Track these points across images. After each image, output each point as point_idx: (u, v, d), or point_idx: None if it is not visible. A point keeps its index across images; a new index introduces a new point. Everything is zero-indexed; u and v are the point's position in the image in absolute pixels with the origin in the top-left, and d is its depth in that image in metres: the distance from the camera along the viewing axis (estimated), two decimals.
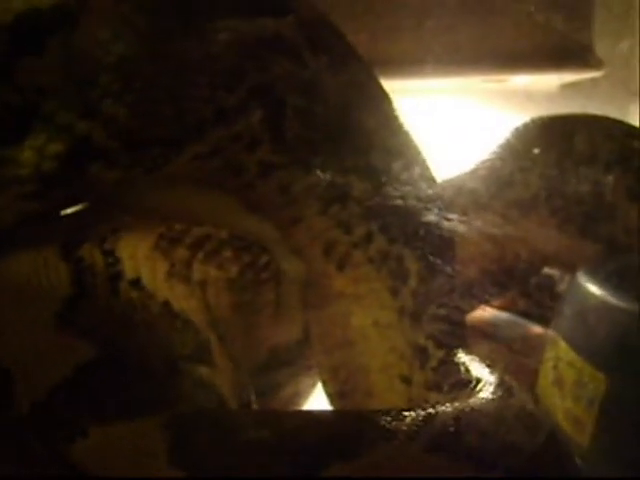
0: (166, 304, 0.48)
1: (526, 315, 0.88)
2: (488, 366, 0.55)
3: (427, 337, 0.54)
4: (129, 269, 0.47)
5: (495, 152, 0.86)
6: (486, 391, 0.46)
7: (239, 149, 0.48)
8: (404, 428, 0.37)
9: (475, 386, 0.51)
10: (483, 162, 0.86)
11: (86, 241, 0.47)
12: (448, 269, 0.58)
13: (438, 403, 0.41)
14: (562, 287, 0.86)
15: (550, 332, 0.68)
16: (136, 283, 0.47)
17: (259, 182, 0.50)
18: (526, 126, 0.85)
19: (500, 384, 0.47)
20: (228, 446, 0.36)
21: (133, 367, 0.42)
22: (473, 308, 0.86)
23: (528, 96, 1.16)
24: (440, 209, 0.59)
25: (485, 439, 0.37)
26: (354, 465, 0.35)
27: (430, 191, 0.59)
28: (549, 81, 1.12)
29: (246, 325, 0.56)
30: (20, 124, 0.39)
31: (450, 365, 0.53)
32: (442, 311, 0.56)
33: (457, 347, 0.54)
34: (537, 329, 0.86)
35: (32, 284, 0.44)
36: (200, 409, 0.44)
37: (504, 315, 0.89)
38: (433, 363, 0.53)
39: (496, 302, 0.90)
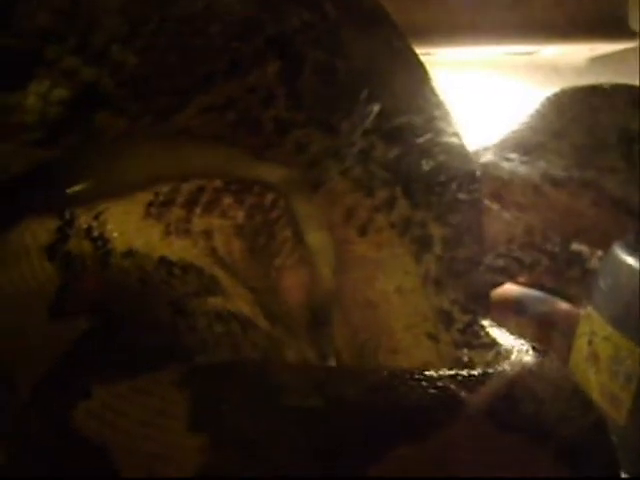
0: (162, 259, 0.45)
1: (553, 292, 0.86)
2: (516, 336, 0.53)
3: (452, 302, 0.52)
4: (120, 244, 0.45)
5: (525, 122, 0.83)
6: (527, 358, 0.44)
7: (254, 103, 0.45)
8: (475, 398, 0.33)
9: (508, 352, 0.49)
10: (513, 132, 0.84)
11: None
12: (475, 237, 0.56)
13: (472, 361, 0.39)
14: (592, 263, 0.84)
15: (584, 307, 0.66)
16: (128, 254, 0.45)
17: (276, 140, 0.47)
18: (557, 96, 0.82)
19: (538, 351, 0.45)
20: (267, 410, 0.30)
21: (133, 324, 0.38)
22: (500, 284, 0.83)
23: (555, 69, 1.14)
24: (469, 175, 0.56)
25: (543, 408, 0.35)
26: (422, 447, 0.30)
27: (458, 157, 0.56)
28: (578, 53, 1.09)
29: (268, 273, 0.54)
30: (23, 69, 0.37)
31: (477, 328, 0.51)
32: (468, 279, 0.54)
33: (483, 315, 0.52)
34: (565, 305, 0.84)
35: (22, 291, 0.41)
36: (225, 359, 0.38)
37: (531, 291, 0.87)
38: (459, 325, 0.51)
39: (522, 278, 0.88)
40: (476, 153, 0.72)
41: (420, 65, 0.55)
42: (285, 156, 0.48)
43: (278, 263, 0.54)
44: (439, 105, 0.55)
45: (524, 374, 0.39)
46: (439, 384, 0.32)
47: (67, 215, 0.46)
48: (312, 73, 0.46)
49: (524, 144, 0.79)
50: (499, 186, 0.76)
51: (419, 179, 0.52)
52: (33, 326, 0.39)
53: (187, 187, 0.49)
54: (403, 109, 0.52)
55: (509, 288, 0.86)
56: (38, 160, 0.41)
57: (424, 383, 0.32)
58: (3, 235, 0.44)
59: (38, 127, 0.39)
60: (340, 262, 0.53)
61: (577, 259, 0.85)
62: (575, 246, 0.85)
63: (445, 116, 0.56)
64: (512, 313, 0.81)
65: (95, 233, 0.45)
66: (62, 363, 0.35)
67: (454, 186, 0.54)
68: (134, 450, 0.30)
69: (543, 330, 0.79)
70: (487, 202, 0.74)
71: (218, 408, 0.30)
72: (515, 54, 1.08)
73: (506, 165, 0.77)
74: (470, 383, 0.34)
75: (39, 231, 0.44)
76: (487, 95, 1.12)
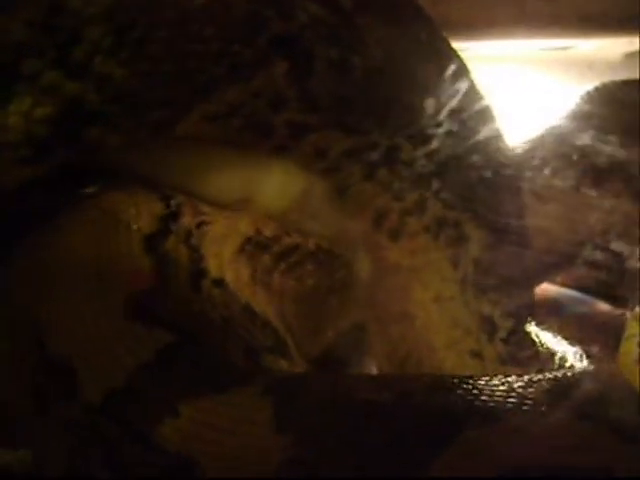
0: (247, 306, 0.44)
1: (592, 292, 0.84)
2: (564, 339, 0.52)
3: (493, 306, 0.50)
4: (214, 268, 0.44)
5: (564, 119, 0.81)
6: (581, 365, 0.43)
7: (261, 107, 0.43)
8: (542, 395, 0.33)
9: (559, 360, 0.48)
10: (552, 129, 0.82)
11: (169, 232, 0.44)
12: (517, 232, 0.53)
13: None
14: (632, 263, 0.82)
15: (631, 308, 0.64)
16: (219, 283, 0.44)
17: (292, 144, 0.45)
18: (598, 90, 0.80)
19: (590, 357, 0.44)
20: (343, 408, 0.32)
21: (215, 350, 0.39)
22: (538, 283, 0.82)
23: (589, 65, 1.12)
24: (507, 172, 0.53)
25: (625, 410, 0.33)
26: (494, 429, 0.31)
27: (494, 152, 0.53)
28: (614, 48, 1.07)
29: (316, 340, 0.52)
30: (1, 87, 0.36)
31: (521, 335, 0.49)
32: (510, 279, 0.51)
33: (527, 319, 0.51)
34: (604, 306, 0.82)
35: (107, 271, 0.40)
36: (300, 374, 0.41)
37: (569, 292, 0.85)
38: (502, 334, 0.49)
39: (560, 278, 0.86)
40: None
41: (454, 58, 0.51)
42: (304, 160, 0.46)
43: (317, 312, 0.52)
44: (474, 100, 0.52)
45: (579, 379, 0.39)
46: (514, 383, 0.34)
47: (173, 205, 0.45)
48: (325, 72, 0.43)
49: (564, 143, 0.77)
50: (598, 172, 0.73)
51: (450, 177, 0.50)
52: (107, 316, 0.38)
53: (287, 240, 0.48)
54: (429, 106, 0.49)
55: (546, 288, 0.84)
56: (27, 177, 0.40)
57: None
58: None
59: (23, 145, 0.37)
60: (373, 270, 0.50)
61: (616, 258, 0.83)
62: (615, 245, 0.83)
63: (481, 111, 0.52)
64: (551, 314, 0.79)
65: (194, 241, 0.44)
66: (144, 374, 0.35)
67: (489, 182, 0.52)
68: (222, 456, 0.32)
69: (583, 331, 0.77)
70: (584, 190, 0.71)
71: (298, 411, 0.33)
72: (550, 49, 1.06)
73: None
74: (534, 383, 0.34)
75: (144, 211, 0.44)
76: (521, 90, 1.10)
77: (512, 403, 0.32)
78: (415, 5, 0.49)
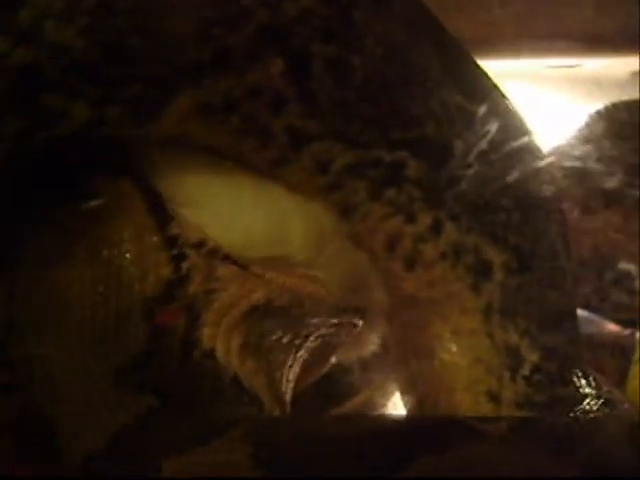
0: (236, 378, 0.43)
1: (599, 312, 0.84)
2: (588, 376, 0.48)
3: (520, 335, 0.46)
4: (206, 338, 0.42)
5: (573, 138, 0.81)
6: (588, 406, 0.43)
7: (260, 107, 0.40)
8: (496, 430, 0.35)
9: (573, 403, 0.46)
10: (559, 148, 0.81)
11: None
12: (549, 253, 0.48)
13: None
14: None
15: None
16: (210, 354, 0.42)
17: (292, 155, 0.42)
18: (608, 110, 0.80)
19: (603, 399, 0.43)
20: (311, 443, 0.35)
21: (198, 412, 0.39)
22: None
23: (597, 83, 1.11)
24: (531, 187, 0.48)
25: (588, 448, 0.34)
26: (443, 458, 0.33)
27: (513, 166, 0.48)
28: (621, 67, 1.07)
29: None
30: None
31: (544, 375, 0.47)
32: (542, 304, 0.48)
33: (556, 348, 0.47)
34: (613, 327, 0.81)
35: (105, 331, 0.40)
36: (276, 416, 0.42)
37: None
38: (525, 371, 0.46)
39: None
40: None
41: (467, 57, 0.48)
42: (303, 176, 0.43)
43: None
44: (489, 99, 0.48)
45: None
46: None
47: (184, 269, 0.42)
48: (323, 72, 0.41)
49: (571, 163, 0.77)
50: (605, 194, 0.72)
51: (465, 197, 0.46)
52: (100, 384, 0.38)
53: (296, 312, 0.45)
54: (433, 112, 0.44)
55: None
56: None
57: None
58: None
59: None
60: (389, 298, 0.47)
61: (624, 278, 0.83)
62: (623, 265, 0.82)
63: (498, 118, 0.48)
64: None
65: (196, 309, 0.42)
66: (125, 438, 0.36)
67: (510, 200, 0.47)
68: None
69: (592, 352, 0.76)
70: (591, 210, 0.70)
71: (275, 447, 0.35)
72: (557, 67, 1.06)
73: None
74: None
75: (150, 272, 0.41)
76: (527, 108, 1.10)
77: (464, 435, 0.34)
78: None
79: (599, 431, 0.37)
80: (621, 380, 0.68)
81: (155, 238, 0.42)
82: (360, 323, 0.48)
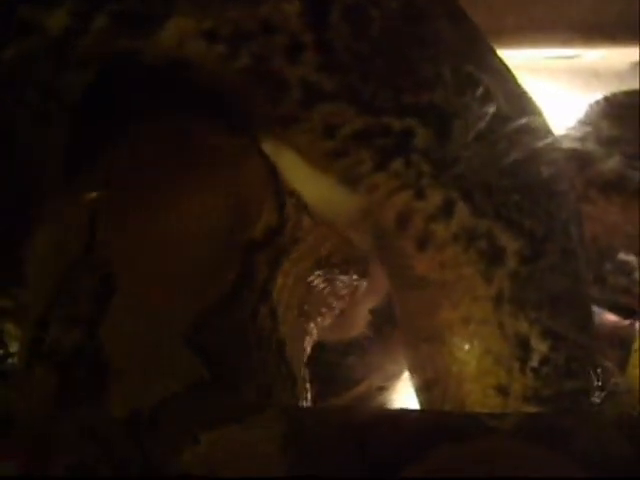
0: (280, 345, 0.43)
1: (599, 303, 0.84)
2: (596, 368, 0.49)
3: (530, 324, 0.46)
4: (277, 291, 0.43)
5: (572, 128, 0.81)
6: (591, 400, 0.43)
7: (274, 49, 0.39)
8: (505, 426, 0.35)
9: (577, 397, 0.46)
10: (559, 137, 0.81)
11: None
12: (564, 239, 0.47)
13: None
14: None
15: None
16: (273, 313, 0.43)
17: (303, 114, 0.41)
18: (608, 100, 0.80)
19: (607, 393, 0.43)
20: (339, 433, 0.35)
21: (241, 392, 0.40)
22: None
23: (596, 74, 1.11)
24: (548, 171, 0.47)
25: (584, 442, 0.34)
26: (459, 449, 0.33)
27: (531, 148, 0.47)
28: (620, 58, 1.07)
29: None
30: None
31: (552, 367, 0.46)
32: (553, 291, 0.47)
33: (566, 337, 0.47)
34: (612, 317, 0.81)
35: (196, 273, 0.40)
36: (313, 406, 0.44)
37: None
38: (534, 363, 0.46)
39: None
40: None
41: (479, 32, 0.47)
42: (310, 138, 0.42)
43: None
44: (504, 83, 0.47)
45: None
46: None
47: (284, 215, 0.43)
48: (341, 20, 0.39)
49: (572, 152, 0.77)
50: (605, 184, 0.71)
51: (477, 177, 0.45)
52: (170, 339, 0.38)
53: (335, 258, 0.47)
54: (449, 84, 0.43)
55: None
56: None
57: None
58: None
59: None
60: (401, 278, 0.47)
61: (624, 269, 0.83)
62: (622, 255, 0.82)
63: (514, 97, 0.47)
64: None
65: (278, 259, 0.43)
66: (171, 405, 0.36)
67: (523, 180, 0.46)
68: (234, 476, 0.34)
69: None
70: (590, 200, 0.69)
71: (303, 434, 0.35)
72: (556, 58, 1.06)
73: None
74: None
75: (263, 216, 0.42)
76: None
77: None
78: None
79: (596, 426, 0.37)
80: (621, 370, 0.68)
81: (269, 186, 0.43)
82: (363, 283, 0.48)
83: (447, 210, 0.44)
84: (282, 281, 0.43)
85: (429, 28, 0.43)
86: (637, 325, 0.74)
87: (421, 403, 0.50)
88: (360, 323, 0.53)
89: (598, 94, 0.90)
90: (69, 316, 0.39)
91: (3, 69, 0.37)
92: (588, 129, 0.76)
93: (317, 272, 0.46)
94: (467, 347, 0.46)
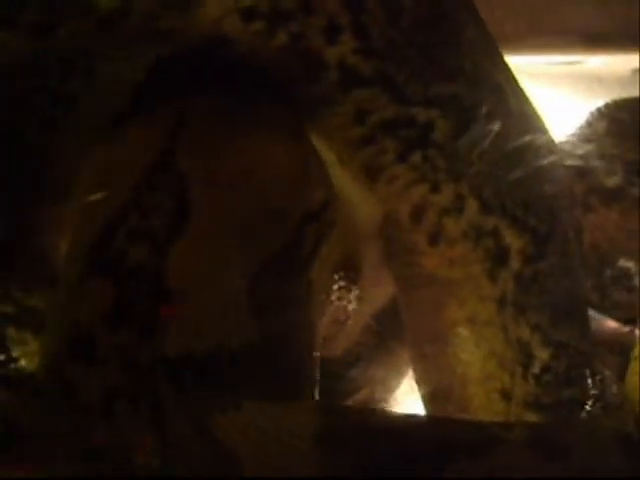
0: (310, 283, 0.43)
1: (599, 309, 0.84)
2: (594, 376, 0.49)
3: (532, 330, 0.46)
4: (316, 270, 0.42)
5: (574, 136, 0.81)
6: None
7: (313, 28, 0.39)
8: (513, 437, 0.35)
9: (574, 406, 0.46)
10: (560, 147, 0.81)
11: None
12: (563, 241, 0.48)
13: None
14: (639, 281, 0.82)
15: (638, 328, 0.63)
16: (310, 283, 0.42)
17: (339, 97, 0.41)
18: (609, 109, 0.80)
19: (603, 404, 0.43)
20: (374, 437, 0.34)
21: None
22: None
23: (598, 80, 1.11)
24: (552, 170, 0.49)
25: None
26: (474, 463, 0.33)
27: (536, 147, 0.48)
28: (622, 64, 1.07)
29: None
30: None
31: (552, 375, 0.47)
32: (554, 296, 0.47)
33: (567, 345, 0.47)
34: (612, 323, 0.81)
35: (255, 226, 0.39)
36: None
37: None
38: (536, 369, 0.46)
39: None
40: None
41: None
42: (341, 122, 0.43)
43: None
44: (513, 88, 0.48)
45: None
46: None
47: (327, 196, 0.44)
48: (377, 5, 0.40)
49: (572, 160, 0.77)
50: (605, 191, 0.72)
51: (487, 172, 0.45)
52: (239, 287, 0.37)
53: None
54: (467, 71, 0.44)
55: None
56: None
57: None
58: None
59: None
60: (408, 275, 0.47)
61: (624, 275, 0.83)
62: (622, 263, 0.82)
63: (526, 101, 0.49)
64: None
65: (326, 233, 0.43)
66: (222, 362, 0.35)
67: (531, 181, 0.47)
68: (262, 458, 0.33)
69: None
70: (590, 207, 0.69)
71: (338, 432, 0.34)
72: (558, 64, 1.06)
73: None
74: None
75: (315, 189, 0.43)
76: None
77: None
78: None
79: (595, 440, 0.37)
80: (620, 377, 0.68)
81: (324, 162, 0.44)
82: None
83: (458, 205, 0.45)
84: (320, 264, 0.43)
85: (454, 21, 0.45)
86: (637, 332, 0.74)
87: (427, 410, 0.50)
88: (343, 343, 0.53)
89: (600, 100, 0.90)
90: (139, 229, 0.37)
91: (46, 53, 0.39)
92: (591, 145, 0.76)
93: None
94: (471, 348, 0.47)
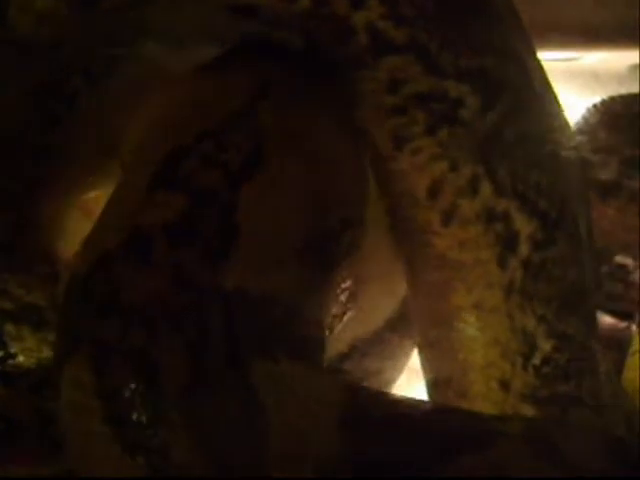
0: None
1: (596, 305, 0.84)
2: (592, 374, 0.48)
3: (538, 320, 0.46)
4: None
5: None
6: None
7: None
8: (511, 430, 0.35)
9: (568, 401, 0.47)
10: None
11: None
12: (573, 227, 0.47)
13: None
14: (636, 276, 0.82)
15: (635, 323, 0.64)
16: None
17: (371, 61, 0.41)
18: (604, 103, 0.80)
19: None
20: (395, 424, 0.33)
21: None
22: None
23: (595, 77, 1.11)
24: (567, 155, 0.48)
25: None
26: (479, 458, 0.32)
27: (554, 128, 0.48)
28: (619, 60, 1.07)
29: None
30: None
31: (552, 368, 0.47)
32: (561, 285, 0.47)
33: (571, 337, 0.47)
34: (609, 319, 0.82)
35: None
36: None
37: None
38: (536, 360, 0.46)
39: None
40: None
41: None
42: (373, 88, 0.42)
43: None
44: (537, 71, 0.48)
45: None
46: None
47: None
48: None
49: None
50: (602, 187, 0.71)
51: (504, 154, 0.45)
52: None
53: None
54: (495, 48, 0.44)
55: None
56: None
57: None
58: None
59: None
60: (418, 257, 0.47)
61: (621, 272, 0.83)
62: (619, 258, 0.82)
63: (548, 90, 0.49)
64: None
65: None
66: (286, 310, 0.34)
67: (546, 165, 0.47)
68: (287, 422, 0.32)
69: None
70: None
71: (365, 416, 0.34)
72: (555, 60, 1.06)
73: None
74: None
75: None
76: None
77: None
78: None
79: (584, 439, 0.37)
80: (617, 373, 0.68)
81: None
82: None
83: (474, 186, 0.45)
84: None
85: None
86: (634, 328, 0.74)
87: (430, 396, 0.50)
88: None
89: (597, 97, 0.90)
90: (214, 157, 0.36)
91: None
92: (584, 137, 0.76)
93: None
94: (476, 334, 0.46)
